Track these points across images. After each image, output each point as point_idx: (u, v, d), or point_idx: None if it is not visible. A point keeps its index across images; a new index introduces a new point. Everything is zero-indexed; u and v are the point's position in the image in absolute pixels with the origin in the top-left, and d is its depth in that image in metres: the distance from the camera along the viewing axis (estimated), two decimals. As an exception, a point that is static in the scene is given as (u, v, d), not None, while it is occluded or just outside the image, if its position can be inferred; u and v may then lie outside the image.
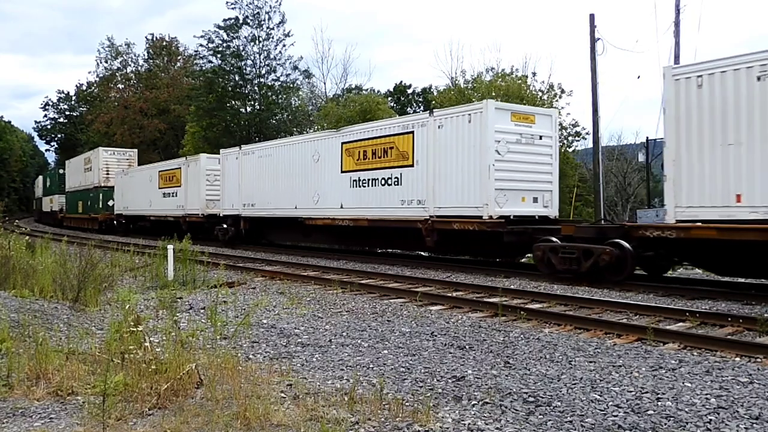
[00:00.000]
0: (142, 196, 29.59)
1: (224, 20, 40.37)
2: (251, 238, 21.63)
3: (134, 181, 31.20)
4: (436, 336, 6.89)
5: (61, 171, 45.91)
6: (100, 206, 34.22)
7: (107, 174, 35.23)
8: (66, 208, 42.10)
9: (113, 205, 33.36)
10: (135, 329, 5.20)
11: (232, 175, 21.91)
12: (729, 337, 6.86)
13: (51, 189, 47.61)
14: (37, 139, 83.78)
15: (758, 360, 5.85)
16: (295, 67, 41.53)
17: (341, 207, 16.43)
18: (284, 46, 40.86)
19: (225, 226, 22.04)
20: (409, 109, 49.60)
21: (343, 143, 16.51)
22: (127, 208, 31.57)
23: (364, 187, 15.74)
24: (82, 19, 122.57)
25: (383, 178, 15.22)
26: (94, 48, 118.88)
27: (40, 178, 56.36)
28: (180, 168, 26.18)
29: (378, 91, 46.17)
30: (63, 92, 76.03)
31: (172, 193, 26.56)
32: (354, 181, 16.11)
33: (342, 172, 16.49)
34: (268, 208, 19.83)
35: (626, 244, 10.59)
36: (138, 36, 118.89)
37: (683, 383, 4.98)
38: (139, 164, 35.98)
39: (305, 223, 17.97)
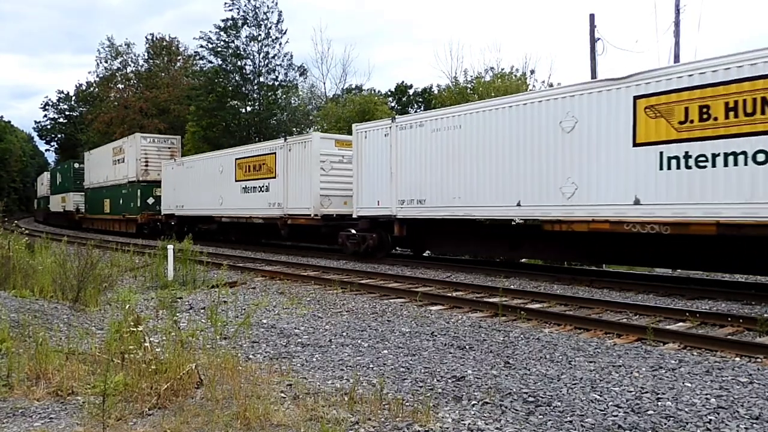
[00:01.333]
0: (206, 192, 23.33)
1: (222, 20, 40.52)
2: (404, 248, 16.20)
3: (193, 172, 24.61)
4: (436, 336, 6.90)
5: (76, 165, 39.92)
6: (138, 205, 28.42)
7: (146, 166, 29.02)
8: (86, 207, 36.68)
9: (154, 203, 28.06)
10: (135, 329, 5.20)
11: (378, 160, 15.85)
12: (729, 337, 6.87)
13: (63, 186, 41.41)
14: (37, 139, 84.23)
15: (758, 360, 5.86)
16: (290, 65, 41.62)
17: (636, 203, 10.56)
18: (280, 44, 41.00)
19: (354, 231, 16.61)
20: (410, 108, 49.44)
21: (636, 97, 10.47)
22: (182, 206, 25.14)
23: (702, 167, 9.67)
24: (81, 18, 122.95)
25: None
26: (94, 48, 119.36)
27: (45, 174, 52.35)
28: (274, 153, 19.77)
29: (378, 91, 46.22)
30: (63, 92, 76.56)
31: (261, 187, 20.39)
32: (671, 159, 10.08)
33: (636, 145, 10.57)
34: (453, 206, 13.91)
35: None
36: (137, 35, 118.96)
37: (683, 383, 4.98)
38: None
39: (543, 228, 12.09)
